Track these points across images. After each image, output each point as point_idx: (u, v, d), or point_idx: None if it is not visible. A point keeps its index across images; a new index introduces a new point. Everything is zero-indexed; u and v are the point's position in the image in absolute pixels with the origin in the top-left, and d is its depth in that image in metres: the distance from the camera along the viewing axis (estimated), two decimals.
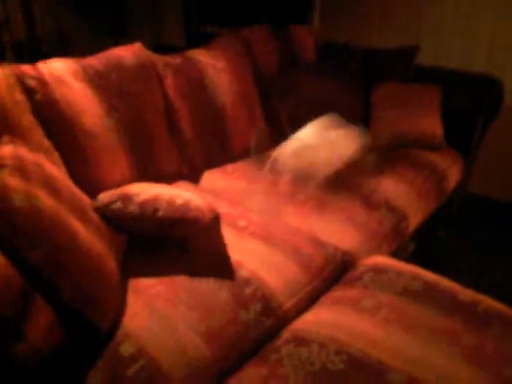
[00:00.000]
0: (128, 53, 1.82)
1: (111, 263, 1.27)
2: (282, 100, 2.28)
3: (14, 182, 1.11)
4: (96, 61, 1.72)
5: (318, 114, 2.24)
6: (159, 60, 1.93)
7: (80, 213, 1.27)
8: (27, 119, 1.48)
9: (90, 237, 1.23)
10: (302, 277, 1.44)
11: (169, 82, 1.93)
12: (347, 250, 1.60)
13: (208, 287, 1.31)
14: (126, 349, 1.12)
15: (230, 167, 2.05)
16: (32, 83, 1.54)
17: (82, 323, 1.12)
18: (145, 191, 1.40)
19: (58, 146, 1.56)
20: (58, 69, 1.61)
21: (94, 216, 1.34)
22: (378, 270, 1.45)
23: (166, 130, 1.89)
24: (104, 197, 1.40)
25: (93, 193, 1.57)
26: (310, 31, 2.59)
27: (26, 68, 1.56)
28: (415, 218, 1.94)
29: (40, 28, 3.20)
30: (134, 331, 1.16)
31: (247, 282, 1.35)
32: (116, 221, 1.37)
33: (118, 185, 1.65)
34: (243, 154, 2.13)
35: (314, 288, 1.45)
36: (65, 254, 1.11)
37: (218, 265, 1.39)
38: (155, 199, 1.36)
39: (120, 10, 3.51)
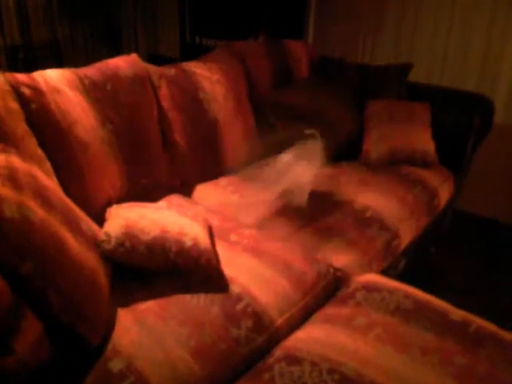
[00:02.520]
0: (123, 63, 1.82)
1: (102, 277, 1.26)
2: (276, 115, 2.28)
3: (5, 192, 1.10)
4: (92, 71, 1.72)
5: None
6: (154, 71, 1.93)
7: (72, 225, 1.26)
8: (21, 128, 1.47)
9: (81, 250, 1.21)
10: (294, 293, 1.43)
11: (163, 93, 1.93)
12: (340, 267, 1.60)
13: (199, 303, 1.30)
14: (116, 365, 1.10)
15: (222, 180, 2.05)
16: (27, 92, 1.52)
17: (72, 337, 1.11)
18: (149, 225, 1.36)
19: (51, 156, 1.54)
20: (53, 78, 1.60)
21: (87, 228, 1.33)
22: (370, 288, 1.45)
23: (159, 142, 1.89)
24: (109, 236, 1.32)
25: (84, 203, 1.56)
26: (304, 46, 2.61)
27: (22, 77, 1.55)
28: (407, 235, 1.95)
29: (35, 34, 3.18)
30: (123, 347, 1.15)
31: (238, 297, 1.34)
32: (124, 262, 1.34)
33: (110, 196, 1.65)
34: (236, 167, 2.13)
35: (306, 305, 1.44)
36: (55, 267, 1.10)
37: (210, 280, 1.38)
38: (163, 237, 1.33)
39: (115, 19, 3.51)
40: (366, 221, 1.82)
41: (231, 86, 2.15)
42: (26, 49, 3.24)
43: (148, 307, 1.27)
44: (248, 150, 2.20)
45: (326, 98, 2.31)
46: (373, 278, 1.54)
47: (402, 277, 1.78)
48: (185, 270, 1.37)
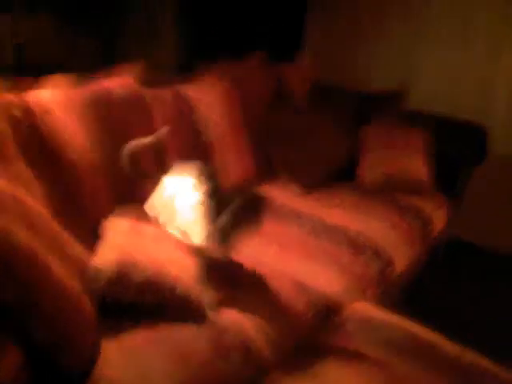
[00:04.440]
0: (117, 85, 1.81)
1: (88, 304, 1.22)
2: (272, 140, 2.28)
3: None
4: (84, 92, 1.70)
5: (308, 155, 2.26)
6: (148, 93, 1.92)
7: (58, 250, 1.23)
8: (10, 149, 1.44)
9: (66, 276, 1.17)
10: (284, 323, 1.39)
11: (157, 115, 1.92)
12: (331, 296, 1.56)
13: (187, 334, 1.26)
14: None
15: None
16: (18, 113, 1.50)
17: (54, 367, 1.07)
18: (143, 261, 1.31)
19: (40, 177, 1.52)
20: (45, 99, 1.59)
21: (72, 253, 1.29)
22: (362, 319, 1.42)
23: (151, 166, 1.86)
24: (98, 273, 1.26)
25: (73, 225, 1.53)
26: (299, 69, 2.61)
27: (13, 97, 1.53)
28: (400, 262, 1.92)
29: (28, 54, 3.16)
30: (106, 379, 1.10)
31: (226, 328, 1.30)
32: (113, 300, 1.28)
33: (98, 220, 1.61)
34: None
35: (295, 334, 1.40)
36: (38, 294, 1.06)
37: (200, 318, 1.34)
38: (156, 282, 1.28)
39: (113, 34, 3.49)
40: (358, 247, 1.80)
41: (225, 109, 2.14)
42: (20, 69, 3.23)
43: (134, 337, 1.23)
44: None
45: (323, 123, 2.31)
46: (365, 307, 1.51)
47: (395, 305, 1.74)
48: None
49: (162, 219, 1.58)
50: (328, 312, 1.52)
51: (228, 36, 2.76)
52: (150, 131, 1.87)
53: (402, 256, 1.94)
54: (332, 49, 3.14)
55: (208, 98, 2.10)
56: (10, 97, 1.53)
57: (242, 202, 1.35)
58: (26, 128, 1.51)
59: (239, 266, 1.55)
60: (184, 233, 1.50)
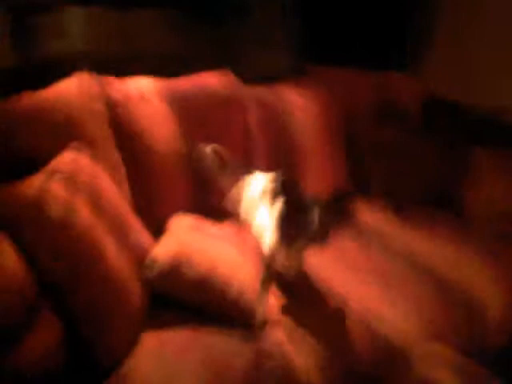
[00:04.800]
0: (216, 79, 1.81)
1: (137, 291, 1.22)
2: (371, 154, 2.12)
3: (58, 190, 1.11)
4: (184, 83, 1.73)
5: (408, 175, 2.07)
6: (246, 91, 1.90)
7: (121, 234, 1.24)
8: (102, 130, 1.51)
9: (121, 260, 1.19)
10: (339, 356, 1.26)
11: (252, 114, 1.89)
12: (401, 336, 1.38)
13: (229, 347, 1.20)
14: None
15: None
16: (116, 96, 1.57)
17: (86, 355, 1.08)
18: (199, 259, 1.29)
19: (125, 160, 1.57)
20: (144, 86, 1.64)
21: (135, 242, 1.30)
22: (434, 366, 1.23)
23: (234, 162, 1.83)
24: (153, 263, 1.27)
25: (149, 212, 1.56)
26: (413, 82, 2.39)
27: (114, 81, 1.60)
28: (497, 311, 1.65)
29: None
30: (132, 376, 1.09)
31: (271, 351, 1.22)
32: (162, 293, 1.29)
33: (172, 212, 1.61)
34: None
35: (351, 373, 1.27)
36: (86, 272, 1.09)
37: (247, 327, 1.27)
38: (208, 281, 1.26)
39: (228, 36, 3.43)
40: (444, 284, 1.57)
41: (323, 116, 2.04)
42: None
43: (173, 338, 1.21)
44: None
45: (430, 141, 2.10)
46: (440, 353, 1.32)
47: (484, 360, 1.49)
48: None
49: (242, 217, 1.55)
50: (393, 354, 1.35)
51: (339, 41, 2.61)
52: (242, 130, 1.85)
53: (499, 304, 1.66)
54: (454, 57, 2.78)
55: (306, 103, 2.01)
56: (112, 80, 1.60)
57: (320, 215, 1.22)
58: (121, 112, 1.57)
59: (305, 283, 1.45)
60: (258, 237, 1.44)
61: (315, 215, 1.15)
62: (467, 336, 1.54)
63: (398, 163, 2.10)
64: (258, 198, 1.48)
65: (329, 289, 1.47)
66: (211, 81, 1.80)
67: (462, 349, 1.47)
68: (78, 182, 1.19)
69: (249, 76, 1.99)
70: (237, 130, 1.83)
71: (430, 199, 2.06)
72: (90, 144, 1.43)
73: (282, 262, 1.31)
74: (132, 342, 1.16)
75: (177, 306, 1.28)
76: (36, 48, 2.16)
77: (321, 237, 1.21)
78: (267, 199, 1.41)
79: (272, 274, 1.34)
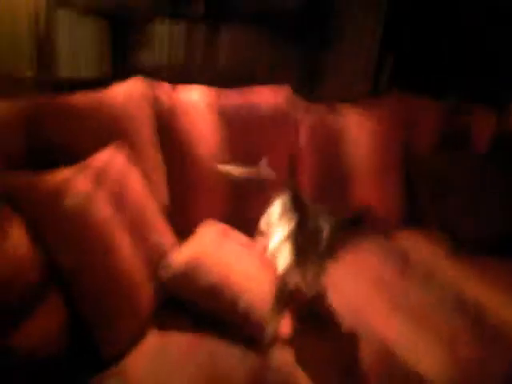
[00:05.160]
0: (269, 94, 1.81)
1: (146, 294, 1.23)
2: (429, 186, 1.98)
3: (82, 182, 1.17)
4: (234, 96, 1.75)
5: (470, 213, 1.90)
6: (301, 106, 1.87)
7: (139, 233, 1.27)
8: (148, 132, 1.57)
9: (135, 258, 1.21)
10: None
11: (304, 131, 1.86)
12: (423, 379, 1.26)
13: (232, 357, 1.17)
14: None
15: None
16: (166, 101, 1.63)
17: (87, 345, 1.10)
18: (214, 266, 1.29)
19: (169, 166, 1.62)
20: (194, 95, 1.69)
21: (156, 242, 1.33)
22: None
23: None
24: (169, 266, 1.28)
25: (185, 217, 1.59)
26: (492, 117, 2.21)
27: (167, 87, 1.67)
28: None
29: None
30: (129, 371, 1.09)
31: (277, 369, 1.16)
32: (174, 295, 1.30)
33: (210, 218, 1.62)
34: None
35: None
36: (97, 263, 1.12)
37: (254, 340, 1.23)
38: (220, 289, 1.24)
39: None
40: (488, 333, 1.41)
41: (383, 139, 1.95)
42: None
43: (179, 340, 1.20)
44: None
45: (499, 176, 1.92)
46: None
47: None
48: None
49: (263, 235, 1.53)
50: None
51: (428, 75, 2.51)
52: (289, 149, 1.82)
53: None
54: None
55: (366, 123, 1.94)
56: (165, 86, 1.66)
57: (331, 233, 1.15)
58: (168, 117, 1.62)
59: (322, 306, 1.38)
60: (273, 256, 1.40)
61: (325, 233, 1.09)
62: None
63: (459, 196, 1.94)
64: (276, 217, 1.44)
65: (350, 315, 1.39)
66: (265, 96, 1.80)
67: None
68: (105, 179, 1.24)
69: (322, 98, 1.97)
70: (285, 148, 1.80)
71: (493, 241, 1.87)
72: (132, 145, 1.49)
73: (297, 282, 1.26)
74: (135, 339, 1.17)
75: (189, 310, 1.28)
76: (129, 59, 2.40)
77: (328, 254, 1.14)
78: (285, 219, 1.37)
79: (285, 294, 1.29)
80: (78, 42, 2.00)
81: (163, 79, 1.70)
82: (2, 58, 1.81)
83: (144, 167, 1.51)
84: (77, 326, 1.10)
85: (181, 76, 2.45)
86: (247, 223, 1.64)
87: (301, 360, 1.19)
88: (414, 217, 2.01)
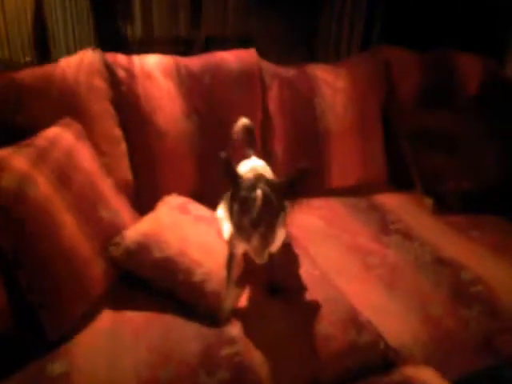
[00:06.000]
0: (233, 58, 1.72)
1: (98, 270, 1.20)
2: (414, 146, 1.87)
3: (18, 162, 1.12)
4: (193, 61, 1.67)
5: (456, 168, 1.81)
6: (268, 70, 1.78)
7: (87, 211, 1.23)
8: (101, 107, 1.51)
9: (79, 236, 1.17)
10: (304, 359, 1.13)
11: (273, 95, 1.77)
12: (393, 345, 1.21)
13: (185, 333, 1.14)
14: (55, 368, 1.03)
15: (317, 202, 1.78)
16: (121, 74, 1.57)
17: (32, 324, 1.08)
18: (170, 240, 1.24)
19: (129, 139, 1.57)
20: (150, 64, 1.61)
21: (109, 218, 1.28)
22: None
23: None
24: (121, 242, 1.23)
25: (152, 191, 1.54)
26: (480, 62, 2.06)
27: (121, 58, 1.60)
28: None
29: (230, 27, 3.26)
30: (76, 352, 1.07)
31: (231, 341, 1.12)
32: (128, 271, 1.25)
33: (180, 191, 1.57)
34: (340, 193, 1.83)
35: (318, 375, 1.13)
36: (37, 247, 1.08)
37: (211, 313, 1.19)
38: (175, 261, 1.20)
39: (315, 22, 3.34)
40: (466, 296, 1.35)
41: (359, 98, 1.85)
42: (221, 42, 3.33)
43: (132, 319, 1.17)
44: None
45: (478, 129, 1.81)
46: (427, 375, 1.13)
47: None
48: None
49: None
50: (376, 364, 1.18)
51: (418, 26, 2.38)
52: (258, 111, 1.75)
53: None
54: None
55: (339, 82, 1.84)
56: (118, 57, 1.59)
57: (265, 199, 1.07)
58: (125, 90, 1.56)
59: (287, 278, 1.33)
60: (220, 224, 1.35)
61: (257, 202, 1.02)
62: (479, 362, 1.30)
63: (443, 151, 1.84)
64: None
65: (319, 282, 1.34)
66: (229, 60, 1.71)
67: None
68: (47, 158, 1.20)
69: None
70: (253, 110, 1.72)
71: (479, 197, 1.78)
72: (85, 120, 1.45)
73: (245, 250, 1.20)
74: (86, 319, 1.15)
75: (146, 287, 1.24)
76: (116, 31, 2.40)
77: (269, 221, 1.06)
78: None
79: (234, 263, 1.24)
80: (69, 23, 2.17)
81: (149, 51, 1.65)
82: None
83: (99, 142, 1.47)
84: (24, 307, 1.07)
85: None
86: (217, 195, 1.58)
87: (258, 335, 1.14)
88: (396, 178, 1.92)
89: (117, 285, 1.25)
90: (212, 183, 1.62)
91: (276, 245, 1.20)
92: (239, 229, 1.07)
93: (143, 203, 1.51)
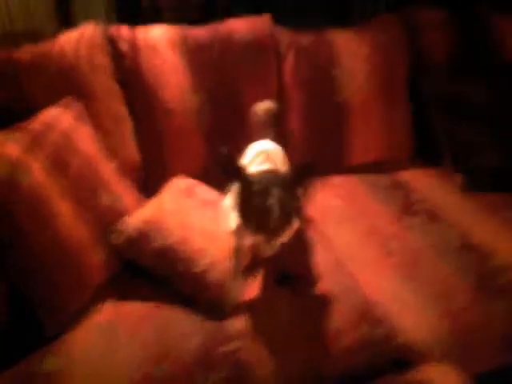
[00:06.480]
0: (243, 26, 1.60)
1: (96, 259, 1.16)
2: (446, 116, 1.72)
3: (11, 149, 1.08)
4: (201, 32, 1.56)
5: (494, 142, 1.65)
6: (284, 38, 1.65)
7: (85, 197, 1.18)
8: (106, 84, 1.44)
9: (77, 225, 1.13)
10: (310, 356, 1.07)
11: (288, 65, 1.65)
12: (410, 342, 1.12)
13: (184, 327, 1.09)
14: (46, 365, 1.00)
15: (336, 180, 1.67)
16: (124, 47, 1.48)
17: (28, 318, 1.05)
18: (172, 228, 1.18)
19: (135, 116, 1.50)
20: (155, 36, 1.52)
21: (109, 203, 1.23)
22: None
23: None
24: (122, 229, 1.18)
25: (159, 170, 1.48)
26: None
27: (123, 30, 1.51)
28: None
29: None
30: (72, 346, 1.04)
31: (232, 337, 1.07)
32: (129, 259, 1.21)
33: (189, 170, 1.50)
34: (362, 170, 1.71)
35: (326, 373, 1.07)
36: (30, 234, 1.04)
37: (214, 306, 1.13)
38: (176, 250, 1.15)
39: None
40: (494, 286, 1.23)
41: (382, 65, 1.70)
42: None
43: (131, 312, 1.13)
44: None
45: None
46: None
47: None
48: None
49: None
50: (391, 362, 1.11)
51: None
52: (273, 83, 1.63)
53: None
54: None
55: (361, 49, 1.69)
56: (121, 29, 1.50)
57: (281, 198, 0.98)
58: (129, 64, 1.48)
59: (298, 268, 1.25)
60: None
61: (275, 213, 0.94)
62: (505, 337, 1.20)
63: (478, 123, 1.68)
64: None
65: (334, 271, 1.26)
66: (240, 29, 1.59)
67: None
68: (42, 142, 1.14)
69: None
70: (267, 83, 1.61)
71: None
72: (88, 98, 1.38)
73: (250, 240, 1.12)
74: (85, 311, 1.11)
75: (148, 276, 1.20)
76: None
77: (284, 224, 0.98)
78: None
79: (240, 254, 1.16)
80: None
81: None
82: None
83: (103, 121, 1.41)
84: (20, 301, 1.05)
85: None
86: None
87: (262, 330, 1.08)
88: (424, 153, 1.78)
89: (120, 273, 1.21)
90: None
91: (287, 235, 1.11)
92: (244, 222, 0.99)
93: (151, 184, 1.46)
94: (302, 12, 2.42)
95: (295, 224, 1.10)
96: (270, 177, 1.01)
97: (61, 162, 1.15)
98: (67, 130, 1.22)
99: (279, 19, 1.67)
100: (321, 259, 1.30)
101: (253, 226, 0.98)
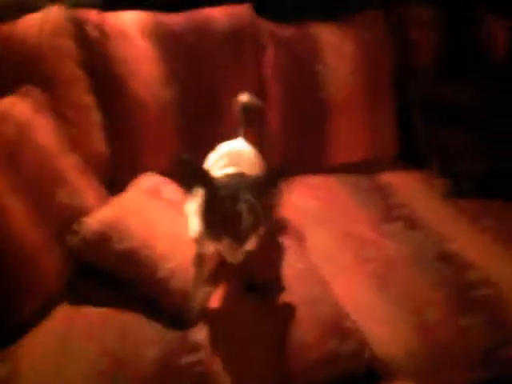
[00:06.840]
0: (222, 15, 1.51)
1: (51, 261, 1.08)
2: (430, 115, 1.65)
3: None
4: (176, 18, 1.48)
5: (476, 144, 1.59)
6: (265, 29, 1.57)
7: (36, 195, 1.09)
8: (68, 71, 1.35)
9: (28, 224, 1.05)
10: (272, 370, 1.01)
11: (268, 57, 1.57)
12: (381, 357, 1.07)
13: (144, 335, 1.02)
14: None
15: (314, 180, 1.61)
16: (92, 33, 1.39)
17: None
18: (135, 229, 1.11)
19: (103, 106, 1.41)
20: (126, 22, 1.43)
21: (67, 201, 1.15)
22: None
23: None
24: (79, 230, 1.11)
25: (129, 164, 1.40)
26: (507, 25, 1.78)
27: (93, 15, 1.41)
28: None
29: None
30: (22, 355, 0.97)
31: (194, 348, 1.00)
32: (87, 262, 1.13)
33: (160, 165, 1.42)
34: (343, 170, 1.65)
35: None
36: None
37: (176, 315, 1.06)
38: (137, 254, 1.08)
39: None
40: (472, 298, 1.18)
41: (367, 62, 1.63)
42: None
43: (88, 317, 1.06)
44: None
45: (502, 103, 1.58)
46: None
47: None
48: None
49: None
50: (359, 378, 1.05)
51: None
52: (252, 75, 1.55)
53: None
54: None
55: (346, 46, 1.61)
56: (91, 14, 1.41)
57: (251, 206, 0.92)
58: (97, 51, 1.39)
59: (266, 276, 1.19)
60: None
61: (244, 215, 0.87)
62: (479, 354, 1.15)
63: (463, 125, 1.62)
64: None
65: (304, 279, 1.19)
66: (218, 19, 1.51)
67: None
68: None
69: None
70: (245, 76, 1.53)
71: (499, 184, 1.57)
72: (50, 86, 1.30)
73: (214, 248, 1.05)
74: (37, 316, 1.04)
75: (109, 279, 1.12)
76: None
77: (253, 227, 0.92)
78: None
79: (203, 261, 1.10)
80: None
81: None
82: None
83: (66, 110, 1.33)
84: None
85: None
86: None
87: (225, 341, 1.02)
88: (409, 155, 1.72)
89: (76, 277, 1.14)
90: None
91: (254, 241, 1.04)
92: (210, 228, 0.93)
93: (120, 179, 1.38)
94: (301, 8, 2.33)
95: (263, 229, 1.04)
96: (238, 181, 0.94)
97: (13, 157, 1.07)
98: (22, 123, 1.14)
99: (278, 16, 1.60)
100: (292, 265, 1.23)
101: (220, 232, 0.92)
